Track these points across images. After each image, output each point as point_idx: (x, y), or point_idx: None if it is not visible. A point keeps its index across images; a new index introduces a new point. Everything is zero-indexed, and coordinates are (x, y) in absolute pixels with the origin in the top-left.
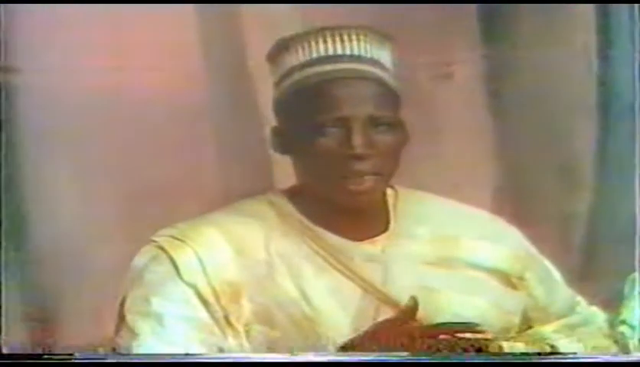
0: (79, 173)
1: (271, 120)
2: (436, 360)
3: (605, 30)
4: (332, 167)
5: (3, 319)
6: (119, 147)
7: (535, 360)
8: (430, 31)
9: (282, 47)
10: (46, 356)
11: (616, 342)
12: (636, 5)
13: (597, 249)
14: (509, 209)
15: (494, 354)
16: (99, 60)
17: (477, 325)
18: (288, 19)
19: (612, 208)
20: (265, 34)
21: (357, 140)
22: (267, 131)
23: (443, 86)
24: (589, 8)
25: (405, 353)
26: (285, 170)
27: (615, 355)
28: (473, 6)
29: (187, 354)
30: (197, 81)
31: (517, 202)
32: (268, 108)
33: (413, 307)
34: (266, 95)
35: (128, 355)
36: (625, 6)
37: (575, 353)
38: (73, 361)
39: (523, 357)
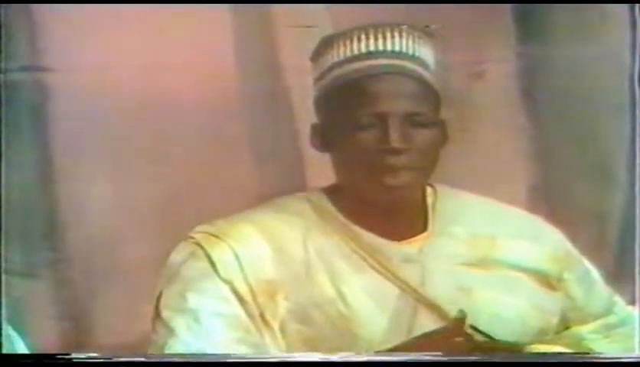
0: (112, 172)
1: (305, 118)
2: (447, 360)
3: (638, 29)
4: (369, 162)
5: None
6: (153, 146)
7: (555, 360)
8: (464, 30)
9: (325, 44)
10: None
11: None
12: None
13: (631, 248)
14: (543, 208)
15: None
16: (133, 60)
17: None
18: (320, 18)
19: None
20: (297, 33)
21: (394, 134)
22: (299, 129)
23: (477, 84)
24: (623, 6)
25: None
26: (317, 169)
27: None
28: (507, 5)
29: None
30: (230, 80)
31: (551, 201)
32: (301, 106)
33: (460, 320)
34: (298, 93)
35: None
36: None
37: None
38: (73, 361)
39: (545, 356)
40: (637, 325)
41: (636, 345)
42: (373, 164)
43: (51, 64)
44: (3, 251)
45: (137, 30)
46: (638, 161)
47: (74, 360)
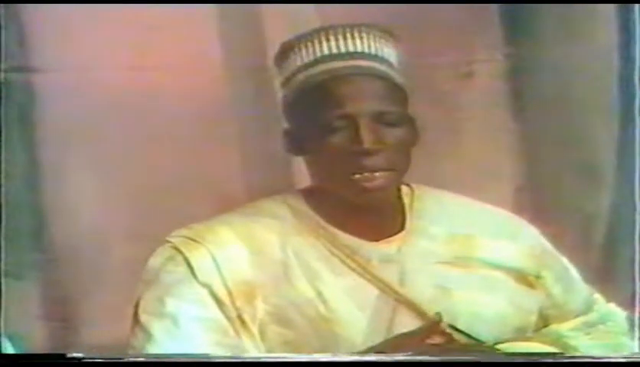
0: (99, 173)
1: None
2: (438, 360)
3: (627, 29)
4: (343, 164)
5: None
6: (139, 147)
7: (542, 360)
8: (451, 30)
9: (287, 49)
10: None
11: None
12: None
13: (618, 248)
14: (530, 209)
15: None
16: (120, 59)
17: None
18: (308, 18)
19: (632, 207)
20: (285, 33)
21: (366, 135)
22: None
23: (464, 85)
24: (611, 6)
25: (405, 353)
26: (304, 168)
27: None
28: (495, 5)
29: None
30: (218, 80)
31: (538, 201)
32: None
33: (436, 322)
34: None
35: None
36: None
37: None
38: (73, 361)
39: (529, 356)
40: (637, 325)
41: (636, 346)
42: (347, 167)
43: (39, 65)
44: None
45: (125, 31)
46: (638, 161)
47: (75, 360)
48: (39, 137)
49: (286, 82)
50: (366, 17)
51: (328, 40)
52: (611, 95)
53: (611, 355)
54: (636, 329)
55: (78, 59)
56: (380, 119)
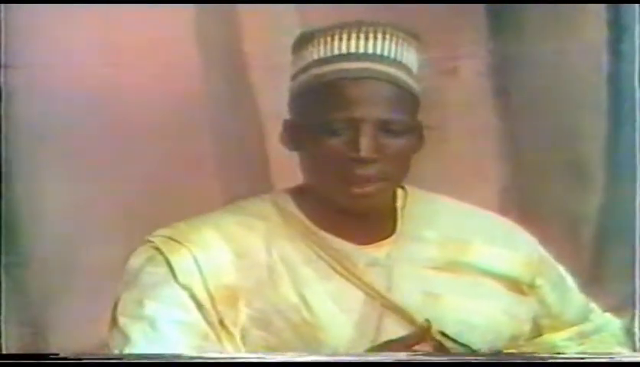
0: (70, 173)
1: (270, 118)
2: (436, 360)
3: (615, 26)
4: (336, 169)
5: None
6: (114, 146)
7: (538, 361)
8: (435, 25)
9: (305, 39)
10: (51, 356)
11: (635, 346)
12: None
13: (607, 250)
14: (515, 210)
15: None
16: (94, 57)
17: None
18: (286, 17)
19: (622, 208)
20: (262, 32)
21: (364, 143)
22: (265, 130)
23: (448, 81)
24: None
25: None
26: (283, 169)
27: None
28: None
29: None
30: (194, 79)
31: (524, 202)
32: (266, 107)
33: (426, 329)
34: (264, 92)
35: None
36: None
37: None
38: (74, 361)
39: (527, 357)
40: (637, 325)
41: (636, 345)
42: (340, 172)
43: (9, 62)
44: None
45: (98, 28)
46: (638, 162)
47: (75, 360)
48: (8, 136)
49: (298, 74)
50: (347, 14)
51: (349, 37)
52: (599, 93)
53: (612, 355)
54: (636, 329)
55: (50, 57)
56: (384, 127)
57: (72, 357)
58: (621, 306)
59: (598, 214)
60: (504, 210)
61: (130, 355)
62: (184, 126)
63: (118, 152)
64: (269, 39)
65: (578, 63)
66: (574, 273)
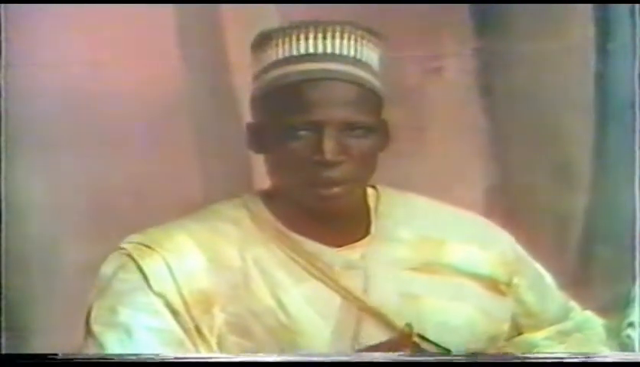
0: (49, 173)
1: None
2: (428, 360)
3: (603, 23)
4: (302, 172)
5: None
6: (93, 146)
7: (530, 360)
8: (419, 23)
9: (265, 39)
10: (49, 356)
11: (621, 345)
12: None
13: (594, 251)
14: (501, 211)
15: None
16: (75, 57)
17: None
18: (267, 16)
19: (609, 208)
20: (244, 31)
21: (328, 146)
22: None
23: (432, 80)
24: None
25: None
26: (264, 168)
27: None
28: None
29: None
30: (176, 78)
31: (509, 202)
32: (247, 105)
33: (407, 334)
34: (245, 92)
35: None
36: None
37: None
38: (74, 361)
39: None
40: (637, 324)
41: (636, 345)
42: (306, 175)
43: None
44: None
45: (79, 28)
46: (638, 161)
47: (75, 360)
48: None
49: (259, 75)
50: (328, 12)
51: (306, 37)
52: (586, 92)
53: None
54: (636, 328)
55: (28, 55)
56: (347, 128)
57: (71, 357)
58: (608, 307)
59: (584, 214)
60: (489, 210)
61: (130, 355)
62: (166, 126)
63: (96, 152)
64: (250, 38)
65: (564, 61)
66: (561, 273)
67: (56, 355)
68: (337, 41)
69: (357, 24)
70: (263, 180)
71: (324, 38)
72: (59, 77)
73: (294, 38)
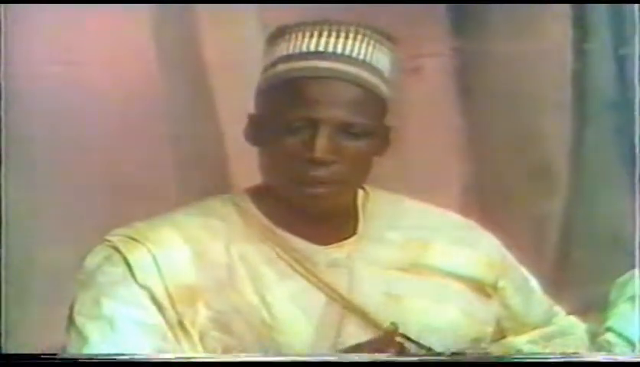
0: (24, 172)
1: (229, 118)
2: (412, 360)
3: (581, 23)
4: (291, 168)
5: None
6: (70, 145)
7: (516, 360)
8: (397, 22)
9: (279, 33)
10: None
11: (600, 350)
12: None
13: (572, 253)
14: (478, 211)
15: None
16: (50, 56)
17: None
18: (245, 17)
19: (588, 209)
20: (220, 32)
21: (320, 144)
22: (223, 130)
23: (411, 80)
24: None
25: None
26: (241, 169)
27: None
28: None
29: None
30: (152, 78)
31: (486, 203)
32: (225, 106)
33: (392, 333)
34: (222, 93)
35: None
36: None
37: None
38: (73, 361)
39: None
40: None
41: (636, 345)
42: (295, 172)
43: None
44: None
45: (57, 28)
46: (638, 162)
47: (78, 360)
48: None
49: (267, 68)
50: (306, 13)
51: (319, 35)
52: (564, 93)
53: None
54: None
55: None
56: (344, 129)
57: (70, 357)
58: (585, 309)
59: (562, 215)
60: (466, 210)
61: (130, 354)
62: (143, 127)
63: (74, 152)
64: (227, 39)
65: (542, 62)
66: (538, 275)
67: (55, 355)
68: (349, 42)
69: (372, 26)
70: (240, 178)
71: (337, 38)
72: (34, 76)
73: (307, 35)
